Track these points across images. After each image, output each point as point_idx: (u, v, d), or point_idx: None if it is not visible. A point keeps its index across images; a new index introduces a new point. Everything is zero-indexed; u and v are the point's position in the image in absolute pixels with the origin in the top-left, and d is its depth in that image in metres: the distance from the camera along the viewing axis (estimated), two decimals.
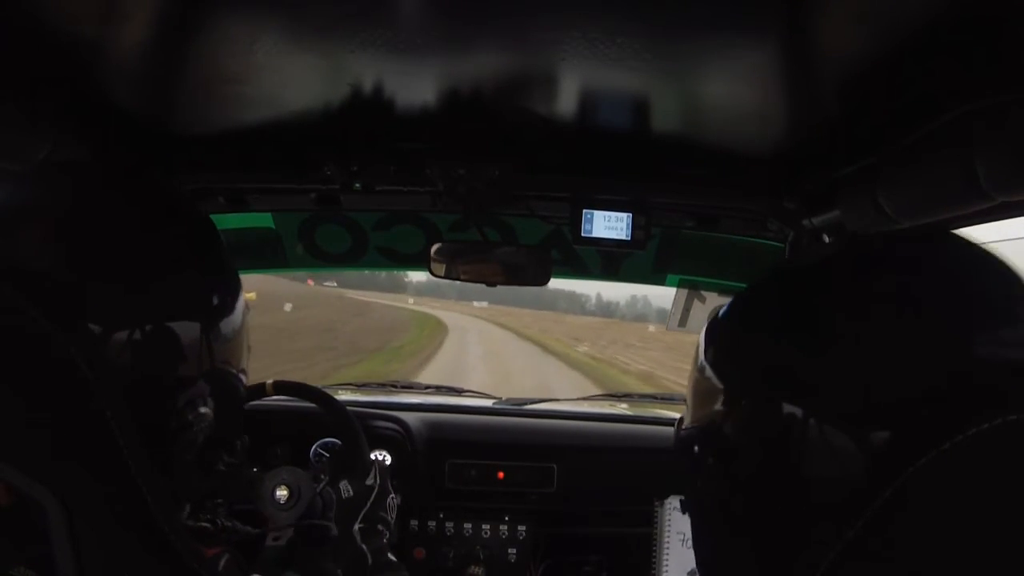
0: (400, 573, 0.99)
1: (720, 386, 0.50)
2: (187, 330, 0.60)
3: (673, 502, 1.45)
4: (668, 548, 1.44)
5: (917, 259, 0.46)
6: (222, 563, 0.72)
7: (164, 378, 0.59)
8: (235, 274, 0.68)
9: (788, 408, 0.44)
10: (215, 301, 0.64)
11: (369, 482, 1.05)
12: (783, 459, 0.44)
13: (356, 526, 0.99)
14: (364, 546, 0.97)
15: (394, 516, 1.09)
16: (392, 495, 1.09)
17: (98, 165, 0.80)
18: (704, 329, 0.55)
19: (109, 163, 0.98)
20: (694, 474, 0.52)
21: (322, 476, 1.07)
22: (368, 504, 1.02)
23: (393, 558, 1.00)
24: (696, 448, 0.52)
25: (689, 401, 0.55)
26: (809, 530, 0.43)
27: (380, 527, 1.03)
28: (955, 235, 0.48)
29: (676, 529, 1.43)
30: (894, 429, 0.40)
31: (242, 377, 0.69)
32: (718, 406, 0.50)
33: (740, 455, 0.48)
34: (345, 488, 1.03)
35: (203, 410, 0.61)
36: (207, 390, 0.61)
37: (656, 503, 1.47)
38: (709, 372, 0.52)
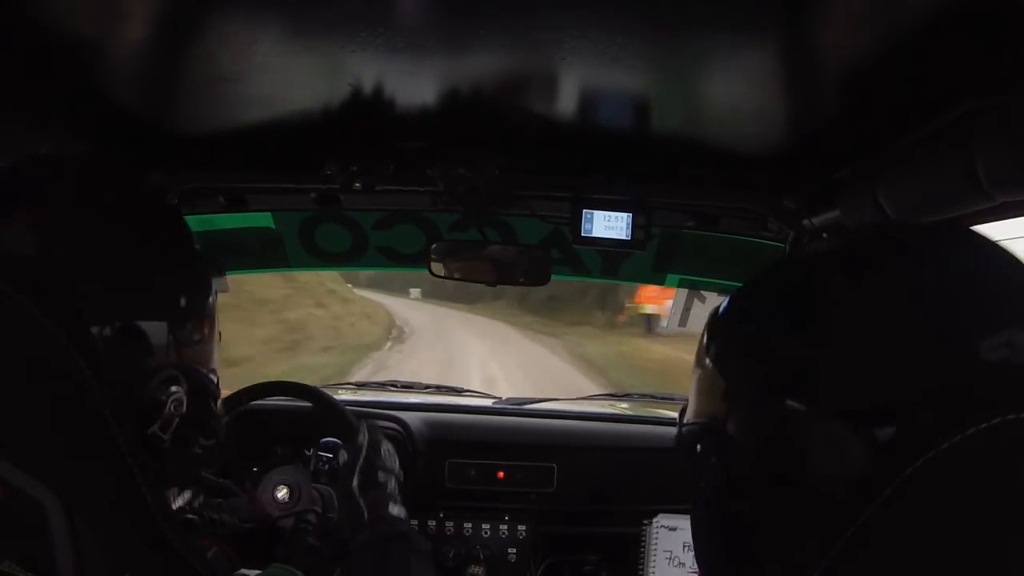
0: (393, 526, 0.95)
1: (722, 382, 0.50)
2: (157, 321, 0.63)
3: (661, 520, 1.44)
4: (655, 567, 1.43)
5: (919, 253, 0.45)
6: (210, 554, 0.73)
7: (141, 367, 0.61)
8: (202, 263, 0.71)
9: (788, 403, 0.44)
10: (185, 291, 0.67)
11: (360, 440, 1.05)
12: (783, 454, 0.44)
13: (354, 482, 0.99)
14: (361, 500, 0.97)
15: (396, 463, 1.08)
16: (387, 445, 1.09)
17: (76, 160, 0.80)
18: (706, 323, 0.55)
19: (90, 159, 0.98)
20: (696, 469, 0.52)
21: (321, 476, 1.07)
22: (361, 459, 1.03)
23: (394, 509, 0.97)
24: (698, 444, 0.52)
25: (691, 397, 0.55)
26: (810, 527, 0.43)
27: (380, 477, 1.02)
28: (962, 228, 0.47)
29: (663, 547, 1.42)
30: (893, 428, 0.40)
31: (214, 362, 0.71)
32: (719, 402, 0.50)
33: (741, 450, 0.47)
34: (342, 455, 1.04)
35: (175, 390, 0.62)
36: (177, 374, 0.63)
37: (644, 522, 1.46)
38: (710, 367, 0.52)
